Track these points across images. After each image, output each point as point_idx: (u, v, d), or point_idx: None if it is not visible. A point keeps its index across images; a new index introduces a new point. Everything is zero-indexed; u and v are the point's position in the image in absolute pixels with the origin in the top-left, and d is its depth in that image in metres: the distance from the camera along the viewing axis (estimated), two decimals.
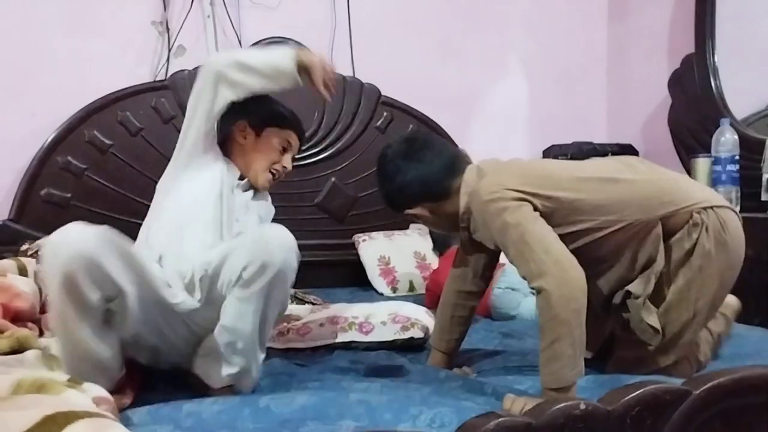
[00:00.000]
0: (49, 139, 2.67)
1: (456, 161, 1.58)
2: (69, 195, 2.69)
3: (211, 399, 1.30)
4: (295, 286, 2.47)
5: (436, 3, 3.30)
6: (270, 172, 1.78)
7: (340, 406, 1.23)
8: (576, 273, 1.32)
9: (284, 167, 1.80)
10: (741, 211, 2.60)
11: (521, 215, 1.38)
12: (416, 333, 1.86)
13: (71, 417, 0.89)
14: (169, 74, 2.79)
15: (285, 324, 1.94)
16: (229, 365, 1.41)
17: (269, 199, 1.88)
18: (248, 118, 1.76)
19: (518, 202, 1.39)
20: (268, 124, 1.78)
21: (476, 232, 1.55)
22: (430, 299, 2.38)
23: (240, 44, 2.99)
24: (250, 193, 1.78)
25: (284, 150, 1.80)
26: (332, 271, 2.93)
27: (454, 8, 3.33)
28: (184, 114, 1.68)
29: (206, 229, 1.60)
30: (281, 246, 1.36)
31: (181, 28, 2.86)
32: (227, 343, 1.40)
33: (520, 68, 3.49)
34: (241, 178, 1.76)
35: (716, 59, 3.01)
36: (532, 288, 1.35)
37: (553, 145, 3.34)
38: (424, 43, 3.25)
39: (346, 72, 3.12)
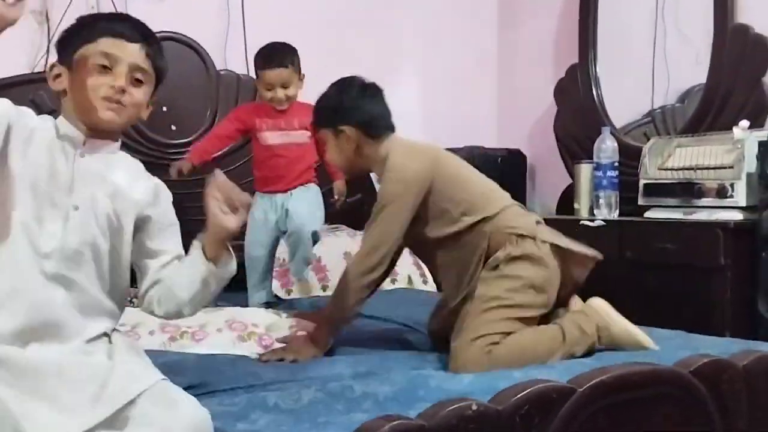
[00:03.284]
0: None
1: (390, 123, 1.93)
2: None
3: None
4: None
5: (331, 7, 3.29)
6: (104, 100, 1.30)
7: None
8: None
9: (115, 87, 1.30)
10: (620, 215, 2.78)
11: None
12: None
13: None
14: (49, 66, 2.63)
15: (177, 326, 1.87)
16: None
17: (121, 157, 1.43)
18: (57, 52, 1.36)
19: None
20: (75, 48, 1.33)
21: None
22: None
23: None
24: (100, 155, 1.35)
25: (104, 68, 1.31)
26: None
27: (348, 12, 3.33)
28: None
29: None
30: None
31: (62, 18, 2.71)
32: None
33: (412, 73, 3.53)
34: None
35: (598, 70, 3.17)
36: None
37: (445, 149, 3.40)
38: (318, 46, 3.21)
39: (240, 70, 3.05)
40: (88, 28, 1.35)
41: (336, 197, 2.71)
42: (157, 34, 3.19)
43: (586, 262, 1.83)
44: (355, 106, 1.88)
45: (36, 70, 2.66)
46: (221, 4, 3.03)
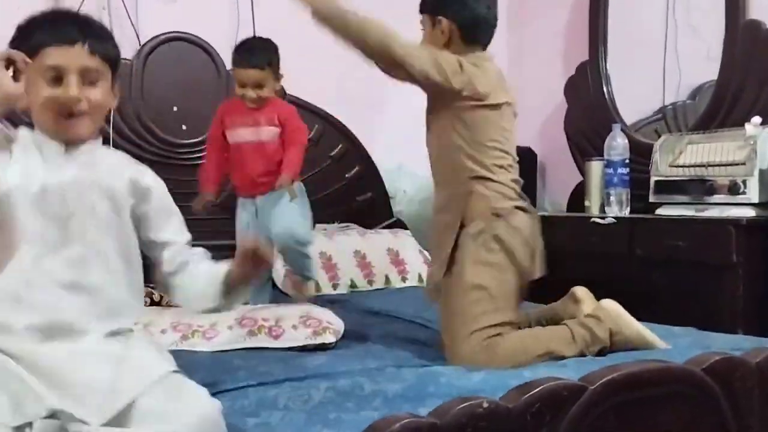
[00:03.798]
0: None
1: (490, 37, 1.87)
2: None
3: None
4: None
5: (344, 1, 3.28)
6: (61, 115, 1.29)
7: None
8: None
9: (71, 98, 1.27)
10: (631, 212, 2.77)
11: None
12: (328, 338, 1.83)
13: None
14: None
15: (189, 325, 1.88)
16: None
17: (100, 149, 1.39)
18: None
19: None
20: (29, 56, 1.26)
21: None
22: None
23: (138, 39, 2.88)
24: (83, 158, 1.32)
25: (54, 79, 1.27)
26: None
27: (363, 7, 3.32)
28: None
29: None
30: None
31: None
32: None
33: None
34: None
35: (608, 67, 3.15)
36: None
37: None
38: (331, 43, 3.22)
39: None
40: (27, 40, 1.28)
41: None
42: (168, 35, 3.23)
43: (530, 273, 1.78)
44: (462, 2, 1.82)
45: None
46: (231, 4, 3.04)
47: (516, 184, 1.83)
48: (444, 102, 1.78)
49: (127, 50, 2.86)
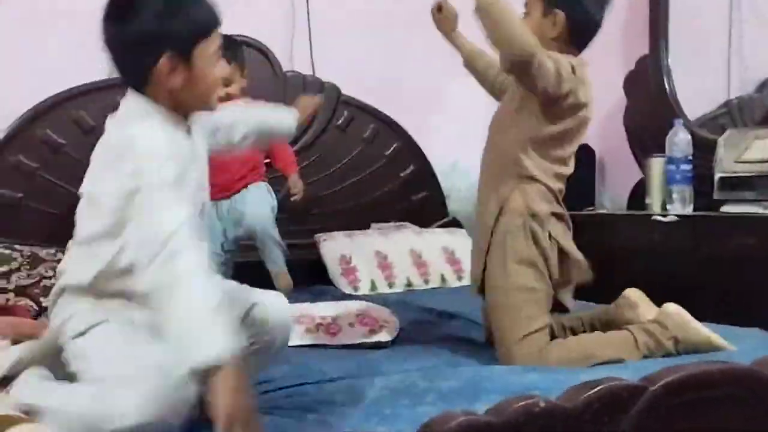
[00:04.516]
0: None
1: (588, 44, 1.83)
2: (20, 195, 2.62)
3: None
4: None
5: (397, 6, 3.29)
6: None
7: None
8: None
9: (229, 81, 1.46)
10: (694, 210, 2.69)
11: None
12: (383, 336, 1.85)
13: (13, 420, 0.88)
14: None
15: None
16: None
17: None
18: (170, 46, 1.25)
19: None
20: (197, 40, 1.29)
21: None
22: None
23: None
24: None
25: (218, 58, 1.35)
26: (291, 271, 2.90)
27: (416, 7, 3.32)
28: None
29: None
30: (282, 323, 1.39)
31: None
32: None
33: None
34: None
35: (670, 61, 3.07)
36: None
37: None
38: (385, 43, 3.24)
39: (306, 71, 3.09)
40: (207, 20, 1.35)
41: (295, 192, 2.64)
42: (224, 37, 3.27)
43: (581, 266, 1.75)
44: (582, 2, 1.76)
45: (113, 75, 2.74)
46: (286, 6, 3.08)
47: (560, 193, 1.79)
48: (541, 105, 1.71)
49: None
